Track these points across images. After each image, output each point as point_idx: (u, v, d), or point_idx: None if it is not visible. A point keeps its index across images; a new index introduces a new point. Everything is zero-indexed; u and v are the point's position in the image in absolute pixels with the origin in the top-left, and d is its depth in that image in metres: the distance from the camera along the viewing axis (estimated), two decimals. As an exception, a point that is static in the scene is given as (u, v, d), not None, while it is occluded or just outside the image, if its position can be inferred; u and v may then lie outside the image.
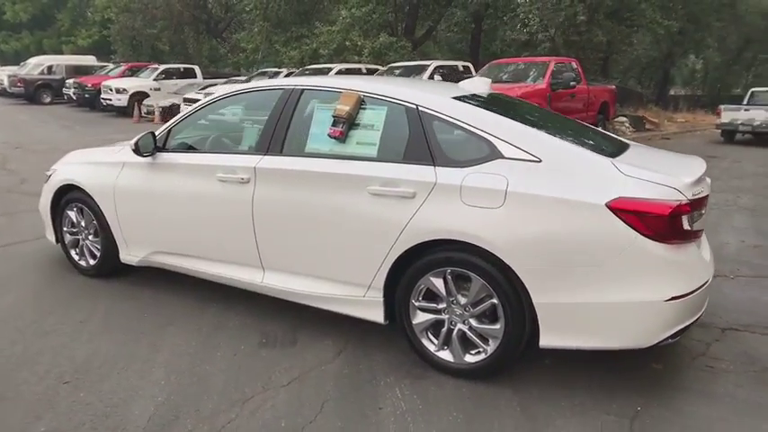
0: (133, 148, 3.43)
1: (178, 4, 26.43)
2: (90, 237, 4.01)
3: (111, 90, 17.93)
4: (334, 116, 2.88)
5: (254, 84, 3.50)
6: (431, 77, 13.09)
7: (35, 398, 2.57)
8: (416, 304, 2.75)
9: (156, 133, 3.53)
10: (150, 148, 3.47)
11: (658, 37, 19.95)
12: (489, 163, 2.54)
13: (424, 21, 20.91)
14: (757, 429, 2.40)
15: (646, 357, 2.87)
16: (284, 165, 3.00)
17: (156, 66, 20.31)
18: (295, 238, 3.00)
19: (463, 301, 2.64)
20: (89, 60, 24.31)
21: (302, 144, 3.01)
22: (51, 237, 4.27)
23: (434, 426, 2.37)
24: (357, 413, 2.45)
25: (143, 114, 16.77)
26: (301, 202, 2.93)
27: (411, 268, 2.70)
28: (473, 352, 2.68)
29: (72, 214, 4.05)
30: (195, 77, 19.58)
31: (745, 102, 14.31)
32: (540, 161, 2.48)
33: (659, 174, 2.44)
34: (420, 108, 2.76)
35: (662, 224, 2.31)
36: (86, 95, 19.31)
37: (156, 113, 16.19)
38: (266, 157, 3.06)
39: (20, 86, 21.28)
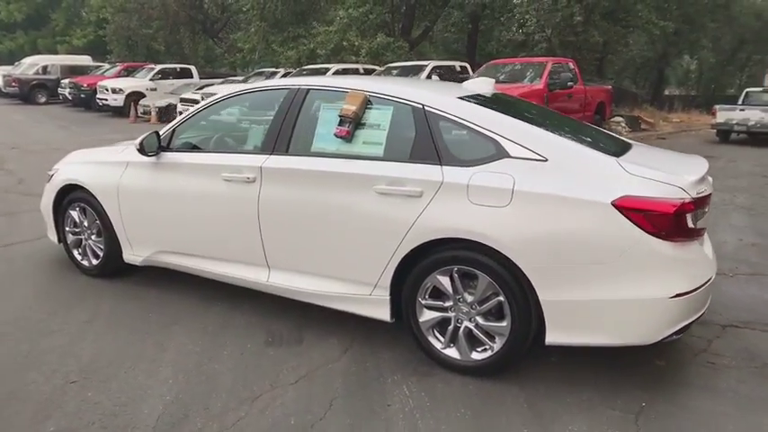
0: (138, 147, 3.43)
1: (174, 4, 26.39)
2: (93, 236, 4.01)
3: (107, 90, 17.89)
4: (340, 116, 2.90)
5: (259, 84, 3.51)
6: (428, 77, 13.12)
7: (43, 397, 2.57)
8: (423, 302, 2.77)
9: (161, 133, 3.53)
10: (155, 147, 3.48)
11: (654, 37, 20.04)
12: (496, 162, 2.57)
13: (420, 21, 20.94)
14: (760, 424, 2.43)
15: (649, 354, 2.90)
16: (291, 164, 3.01)
17: (153, 66, 20.27)
18: (301, 237, 3.01)
19: (470, 298, 2.66)
20: (84, 60, 24.21)
21: (308, 143, 3.03)
22: (53, 237, 4.27)
23: (443, 422, 2.39)
24: (366, 410, 2.47)
25: (139, 114, 16.73)
26: (308, 201, 2.94)
27: (418, 267, 2.72)
28: (479, 349, 2.70)
29: (74, 214, 4.05)
30: (191, 77, 19.54)
31: (740, 102, 14.41)
32: (546, 160, 2.51)
33: (663, 173, 2.47)
34: (426, 108, 2.78)
35: (667, 222, 2.34)
36: (82, 95, 19.24)
37: (153, 114, 16.16)
38: (272, 156, 3.08)
39: (15, 86, 21.19)
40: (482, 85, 3.23)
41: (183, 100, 15.24)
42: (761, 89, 15.59)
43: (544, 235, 2.44)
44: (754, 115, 13.10)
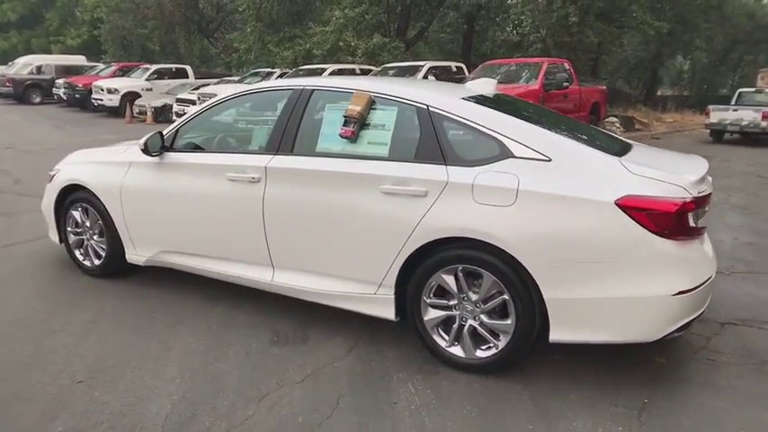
0: (142, 147, 3.44)
1: (169, 4, 26.33)
2: (95, 237, 4.01)
3: (102, 90, 17.83)
4: (345, 116, 2.92)
5: (263, 84, 3.53)
6: (425, 77, 13.17)
7: (50, 398, 2.58)
8: (428, 301, 2.79)
9: (164, 133, 3.54)
10: (158, 147, 3.49)
11: (647, 38, 20.19)
12: (500, 162, 2.60)
13: (415, 21, 20.99)
14: (760, 419, 2.47)
15: (649, 351, 2.95)
16: (296, 164, 3.03)
17: (148, 66, 20.23)
18: (306, 236, 3.03)
19: (474, 297, 2.69)
20: (79, 60, 24.11)
21: (313, 144, 3.05)
22: (55, 237, 4.26)
23: (449, 419, 2.42)
24: (373, 408, 2.49)
25: (135, 114, 16.68)
26: (313, 200, 2.96)
27: (422, 266, 2.75)
28: (484, 347, 2.73)
29: (76, 214, 4.05)
30: (187, 78, 19.50)
31: (733, 102, 14.55)
32: (550, 160, 2.54)
33: (665, 172, 2.51)
34: (431, 108, 2.81)
35: (669, 221, 2.38)
36: (77, 96, 19.18)
37: (149, 114, 16.13)
38: (277, 156, 3.10)
39: (9, 86, 21.07)
40: (484, 85, 3.27)
41: (179, 100, 15.22)
42: (753, 89, 15.73)
43: (548, 234, 2.47)
44: (747, 115, 13.23)
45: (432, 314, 2.81)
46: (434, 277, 2.73)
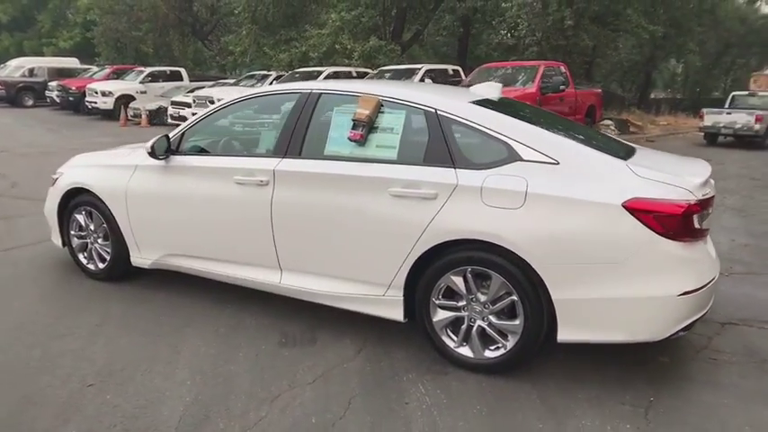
0: (149, 150, 3.45)
1: (164, 6, 26.26)
2: (99, 240, 4.01)
3: (96, 93, 17.75)
4: (354, 120, 2.95)
5: (270, 87, 3.55)
6: (421, 80, 13.22)
7: (61, 401, 2.58)
8: (436, 302, 2.83)
9: (170, 136, 3.56)
10: (164, 150, 3.50)
11: (641, 41, 20.37)
12: (509, 165, 2.64)
13: (410, 24, 21.06)
14: (763, 415, 2.52)
15: (653, 351, 3.00)
16: (304, 167, 3.06)
17: (142, 68, 20.17)
18: (315, 239, 3.06)
19: (483, 298, 2.73)
20: (72, 63, 23.99)
21: (321, 147, 3.08)
22: (58, 240, 4.26)
23: (460, 418, 2.45)
24: (384, 408, 2.52)
25: (129, 117, 16.63)
26: (321, 203, 2.99)
27: (432, 267, 2.78)
28: (492, 347, 2.77)
29: (80, 218, 4.05)
30: (182, 80, 19.46)
31: (726, 105, 14.70)
32: (558, 163, 2.58)
33: (670, 175, 2.56)
34: (439, 112, 2.84)
35: (675, 223, 2.42)
36: (70, 98, 19.09)
37: (144, 117, 16.09)
38: (285, 159, 3.12)
39: (1, 89, 20.93)
40: (489, 89, 3.30)
41: (173, 103, 15.19)
42: (747, 93, 15.89)
43: (556, 236, 2.51)
44: (740, 118, 13.38)
45: (440, 315, 2.84)
46: (443, 279, 2.76)
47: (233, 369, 2.85)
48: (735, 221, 6.13)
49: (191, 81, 19.49)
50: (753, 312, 3.64)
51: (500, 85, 3.42)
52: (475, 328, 2.78)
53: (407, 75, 13.72)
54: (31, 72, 21.89)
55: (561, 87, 11.22)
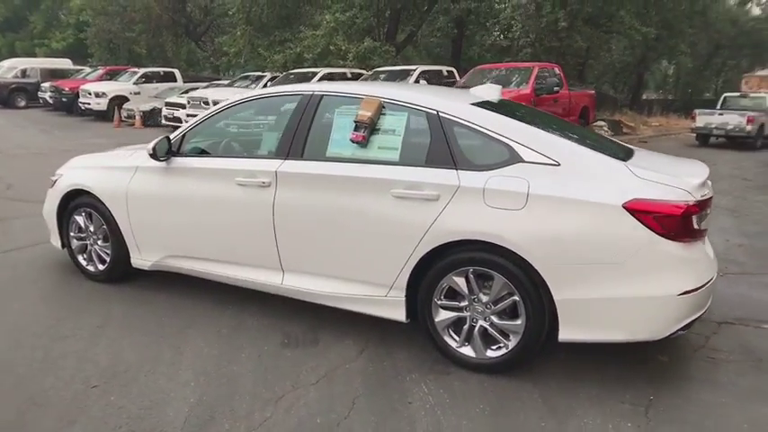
0: (151, 152, 3.45)
1: (157, 7, 26.15)
2: (99, 242, 4.00)
3: (89, 94, 17.65)
4: (356, 121, 2.97)
5: (272, 89, 3.56)
6: (416, 82, 13.26)
7: (65, 403, 2.58)
8: (439, 303, 2.85)
9: (171, 137, 3.56)
10: (165, 152, 3.51)
11: (633, 43, 20.53)
12: (510, 167, 2.67)
13: (404, 26, 21.11)
14: (761, 413, 2.57)
15: (652, 350, 3.04)
16: (306, 169, 3.07)
17: (136, 69, 20.09)
18: (317, 240, 3.07)
19: (485, 298, 2.76)
20: (65, 63, 23.84)
21: (323, 148, 3.09)
22: (57, 242, 4.25)
23: (464, 418, 2.47)
24: (388, 408, 2.54)
25: (123, 118, 16.56)
26: (324, 204, 3.01)
27: (434, 268, 2.80)
28: (494, 347, 2.80)
29: (80, 219, 4.04)
30: (175, 81, 19.40)
31: (718, 106, 14.84)
32: (559, 164, 2.62)
33: (670, 176, 2.60)
34: (441, 114, 2.87)
35: (675, 223, 2.46)
36: (63, 99, 18.96)
37: (137, 118, 16.02)
38: (287, 161, 3.14)
39: (-7, 90, 20.78)
40: (489, 91, 3.34)
41: (168, 104, 15.12)
42: (738, 94, 16.06)
43: (558, 236, 2.54)
44: (732, 119, 13.52)
45: (443, 315, 2.86)
46: (446, 279, 2.79)
47: (236, 370, 2.86)
48: (728, 222, 6.19)
49: (184, 82, 19.43)
50: (748, 312, 3.70)
51: (499, 86, 3.46)
52: (477, 328, 2.81)
53: (402, 76, 13.75)
54: (24, 73, 21.74)
55: (555, 89, 11.28)
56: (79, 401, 2.59)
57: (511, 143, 2.71)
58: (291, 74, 15.28)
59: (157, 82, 19.02)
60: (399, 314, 2.95)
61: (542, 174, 2.61)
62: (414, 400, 2.61)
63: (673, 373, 2.91)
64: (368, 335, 3.21)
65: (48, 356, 3.00)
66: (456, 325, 2.87)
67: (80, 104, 17.83)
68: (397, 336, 3.18)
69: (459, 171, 2.73)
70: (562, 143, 2.76)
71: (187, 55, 31.13)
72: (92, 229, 4.01)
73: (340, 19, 17.48)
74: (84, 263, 4.12)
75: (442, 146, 2.82)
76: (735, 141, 13.82)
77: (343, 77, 14.43)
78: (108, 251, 3.96)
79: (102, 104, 17.41)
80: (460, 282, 2.77)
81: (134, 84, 18.52)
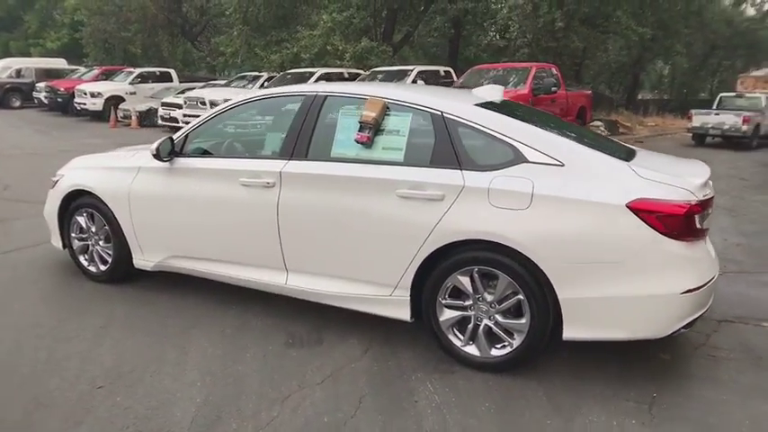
0: (154, 153, 3.45)
1: (153, 6, 26.08)
2: (101, 242, 4.00)
3: (85, 94, 17.59)
4: (360, 122, 2.98)
5: (275, 90, 3.57)
6: (414, 82, 13.27)
7: (70, 403, 2.59)
8: (443, 302, 2.87)
9: (174, 138, 3.56)
10: (168, 152, 3.51)
11: (629, 43, 20.62)
12: (515, 167, 2.69)
13: (401, 26, 21.14)
14: (762, 410, 2.60)
15: (653, 348, 3.06)
16: (311, 169, 3.08)
17: (132, 69, 20.02)
18: (321, 240, 3.08)
19: (489, 297, 2.77)
20: (60, 63, 23.74)
21: (327, 149, 3.10)
22: (58, 243, 4.24)
23: (470, 416, 2.49)
24: (395, 407, 2.56)
25: (119, 119, 16.51)
26: (328, 204, 3.02)
27: (439, 268, 2.82)
28: (499, 346, 2.81)
29: (81, 220, 4.04)
30: (171, 81, 19.35)
31: (714, 106, 14.92)
32: (563, 165, 2.64)
33: (672, 176, 2.63)
34: (445, 114, 2.88)
35: (678, 223, 2.49)
36: (59, 99, 18.90)
37: (134, 118, 15.97)
38: (291, 161, 3.14)
39: (-13, 90, 20.68)
40: (492, 92, 3.36)
41: (164, 104, 15.09)
42: (734, 94, 16.15)
43: (562, 236, 2.56)
44: (728, 119, 13.60)
45: (447, 315, 2.88)
46: (450, 279, 2.81)
47: (242, 370, 2.87)
48: (726, 221, 6.24)
49: (180, 82, 19.38)
50: (747, 310, 3.73)
51: (501, 87, 3.48)
52: (481, 327, 2.83)
53: (399, 76, 13.76)
54: (19, 73, 21.66)
55: (553, 89, 11.32)
56: (85, 402, 2.59)
57: (515, 144, 2.73)
58: (289, 74, 15.26)
59: (153, 82, 18.97)
60: (404, 314, 2.96)
61: (547, 174, 2.63)
62: (420, 398, 2.62)
63: (675, 371, 2.93)
64: (371, 334, 3.22)
65: (51, 357, 3.00)
66: (460, 324, 2.89)
67: (75, 104, 17.77)
68: (401, 335, 3.19)
69: (463, 171, 2.75)
70: (566, 144, 2.78)
71: (183, 55, 31.06)
72: (93, 229, 4.01)
73: (337, 19, 17.50)
74: (85, 263, 4.11)
75: (446, 146, 2.83)
76: (731, 141, 13.90)
77: (340, 77, 14.43)
78: (110, 252, 3.96)
79: (97, 104, 17.36)
80: (465, 281, 2.78)
81: (130, 84, 18.46)
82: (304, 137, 3.16)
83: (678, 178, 2.63)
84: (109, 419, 2.47)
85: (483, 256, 2.71)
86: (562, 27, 15.47)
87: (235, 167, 3.34)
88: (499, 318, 2.78)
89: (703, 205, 2.60)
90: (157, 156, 3.47)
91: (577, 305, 2.61)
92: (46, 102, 19.47)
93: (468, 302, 2.83)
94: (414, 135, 2.95)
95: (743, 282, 4.34)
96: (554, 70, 12.31)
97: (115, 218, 3.82)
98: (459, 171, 2.75)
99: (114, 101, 17.20)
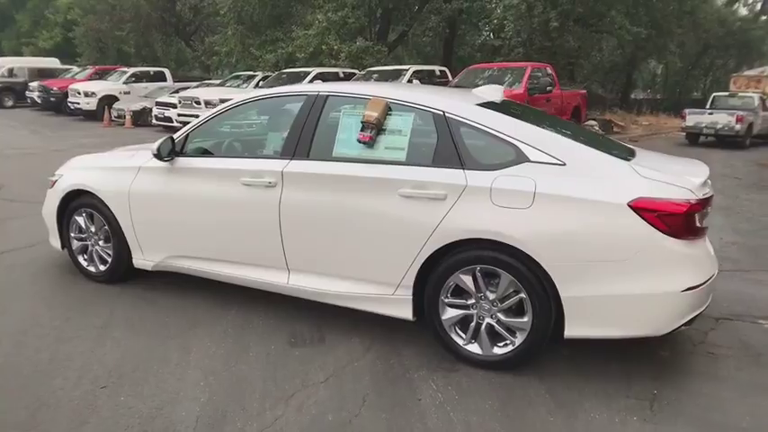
0: (155, 152, 3.45)
1: (146, 6, 25.96)
2: (100, 242, 3.99)
3: (79, 93, 17.50)
4: (362, 122, 2.99)
5: (276, 89, 3.57)
6: (409, 81, 13.30)
7: (74, 403, 2.58)
8: (445, 301, 2.88)
9: (175, 137, 3.56)
10: (169, 152, 3.50)
11: (623, 42, 20.73)
12: (517, 166, 2.71)
13: (395, 25, 21.15)
14: (762, 406, 2.63)
15: (653, 345, 3.09)
16: (313, 169, 3.09)
17: (126, 69, 19.92)
18: (323, 239, 3.09)
19: (491, 296, 2.79)
20: (52, 63, 23.62)
21: (329, 149, 3.11)
22: (56, 243, 4.22)
23: (473, 413, 2.51)
24: (398, 405, 2.57)
25: (113, 118, 16.43)
26: (331, 204, 3.03)
27: (441, 267, 2.83)
28: (501, 344, 2.83)
29: (80, 220, 4.02)
30: (165, 81, 19.27)
31: (708, 106, 15.02)
32: (565, 164, 2.66)
33: (672, 175, 2.66)
34: (447, 114, 2.90)
35: (678, 221, 2.52)
36: (52, 99, 18.81)
37: (128, 117, 15.90)
38: (293, 161, 3.15)
39: (-20, 90, 20.53)
40: (492, 92, 3.38)
41: (158, 103, 15.03)
42: (727, 94, 16.25)
43: (565, 235, 2.59)
44: (721, 119, 13.69)
45: (449, 313, 2.90)
46: (453, 277, 2.82)
47: (245, 369, 2.88)
48: (721, 220, 6.28)
49: (174, 82, 19.31)
50: (744, 308, 3.77)
51: (501, 87, 3.50)
52: (484, 326, 2.85)
53: (395, 75, 13.80)
54: (11, 72, 21.52)
55: (548, 88, 11.40)
56: (89, 402, 2.59)
57: (517, 143, 2.75)
58: (284, 73, 15.25)
59: (147, 81, 18.90)
60: (406, 312, 2.98)
61: (549, 173, 2.65)
62: (423, 396, 2.64)
63: (674, 368, 2.96)
64: (373, 333, 3.23)
65: (54, 358, 2.99)
66: (463, 323, 2.91)
67: (69, 104, 17.69)
68: (403, 333, 3.21)
69: (466, 171, 2.76)
70: (567, 143, 2.81)
71: (176, 54, 30.95)
72: (93, 229, 4.00)
73: (332, 19, 17.48)
74: (84, 263, 4.10)
75: (448, 146, 2.85)
76: (724, 140, 13.99)
77: (335, 77, 14.43)
78: (109, 252, 3.95)
79: (91, 104, 17.27)
80: (467, 280, 2.80)
81: (124, 83, 18.38)
82: (306, 136, 3.17)
83: (678, 177, 2.66)
84: (114, 419, 2.47)
85: (485, 255, 2.73)
86: (557, 27, 15.52)
87: (236, 167, 3.34)
88: (501, 316, 2.80)
89: (703, 204, 2.63)
90: (158, 155, 3.47)
91: (579, 303, 2.63)
92: (39, 101, 19.37)
93: (470, 301, 2.85)
94: (416, 135, 2.97)
95: (739, 280, 4.39)
96: (549, 70, 12.38)
97: (115, 218, 3.81)
98: (461, 170, 2.77)
99: (108, 100, 17.11)
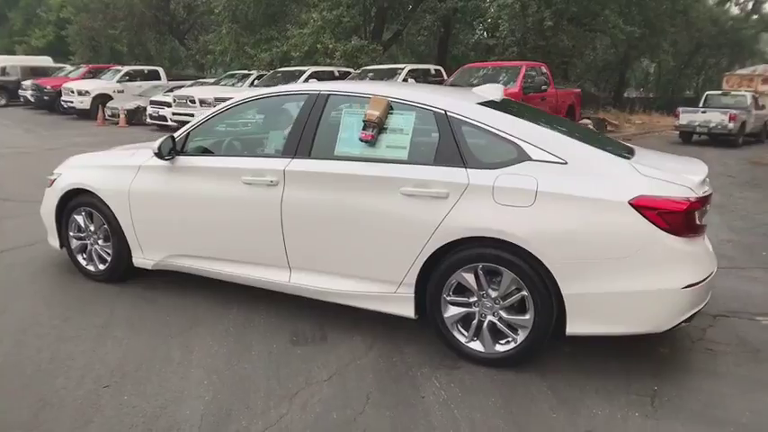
0: (156, 151, 3.44)
1: (140, 4, 25.83)
2: (100, 241, 3.97)
3: (72, 92, 17.41)
4: (364, 120, 3.00)
5: (278, 88, 3.57)
6: (404, 80, 13.30)
7: (78, 403, 2.58)
8: (447, 299, 2.90)
9: (175, 136, 3.55)
10: (170, 151, 3.50)
11: (616, 41, 20.84)
12: (518, 165, 2.72)
13: (390, 24, 21.16)
14: (759, 401, 2.66)
15: (652, 342, 3.12)
16: (315, 167, 3.10)
17: (119, 68, 19.83)
18: (325, 238, 3.10)
19: (493, 294, 2.81)
20: (45, 61, 23.47)
21: (331, 147, 3.12)
22: (55, 242, 4.20)
23: (477, 410, 2.53)
24: (402, 402, 2.58)
25: (107, 117, 16.35)
26: (333, 203, 3.03)
27: (443, 265, 2.85)
28: (503, 342, 2.85)
29: (79, 218, 4.01)
30: (159, 79, 19.20)
31: (701, 104, 15.12)
32: (566, 163, 2.68)
33: (672, 174, 2.68)
34: (449, 113, 2.91)
35: (678, 219, 2.55)
36: (45, 97, 18.72)
37: (122, 116, 15.82)
38: (295, 160, 3.15)
39: (-27, 88, 20.38)
40: (492, 91, 3.39)
41: (153, 102, 14.97)
42: (720, 92, 16.38)
43: (566, 233, 2.61)
44: (714, 117, 13.80)
45: (451, 311, 2.91)
46: (455, 275, 2.84)
47: (247, 367, 2.88)
48: (716, 218, 6.34)
49: (168, 80, 19.23)
50: (741, 305, 3.81)
51: (501, 86, 3.52)
52: (486, 323, 2.86)
53: (390, 74, 13.79)
54: (4, 71, 21.42)
55: (543, 87, 11.43)
56: (92, 401, 2.59)
57: (519, 142, 2.77)
58: (279, 72, 15.22)
59: (141, 80, 18.84)
60: (408, 310, 2.99)
61: (550, 172, 2.67)
62: (426, 394, 2.66)
63: (674, 365, 2.99)
64: (375, 331, 3.24)
65: (55, 357, 2.98)
66: (465, 320, 2.92)
67: (62, 103, 17.59)
68: (405, 331, 3.22)
69: (468, 169, 2.78)
70: (568, 142, 2.83)
71: (170, 53, 30.82)
72: (92, 228, 3.98)
73: (327, 17, 17.46)
74: (83, 263, 4.08)
75: (450, 144, 2.86)
76: (717, 139, 14.10)
77: (330, 76, 14.42)
78: (108, 251, 3.94)
79: (85, 103, 17.18)
80: (469, 278, 2.82)
81: (118, 82, 18.30)
82: (307, 135, 3.17)
83: (678, 176, 2.68)
84: (118, 418, 2.47)
85: (487, 253, 2.75)
86: (551, 26, 15.58)
87: (237, 166, 3.34)
88: (503, 314, 2.82)
89: (702, 202, 2.66)
90: (159, 154, 3.46)
91: (581, 301, 2.65)
92: (32, 100, 19.27)
93: (472, 299, 2.87)
94: (417, 133, 2.98)
95: (735, 277, 4.43)
96: (543, 69, 12.42)
97: (115, 217, 3.80)
98: (463, 169, 2.79)
99: (102, 99, 17.03)
